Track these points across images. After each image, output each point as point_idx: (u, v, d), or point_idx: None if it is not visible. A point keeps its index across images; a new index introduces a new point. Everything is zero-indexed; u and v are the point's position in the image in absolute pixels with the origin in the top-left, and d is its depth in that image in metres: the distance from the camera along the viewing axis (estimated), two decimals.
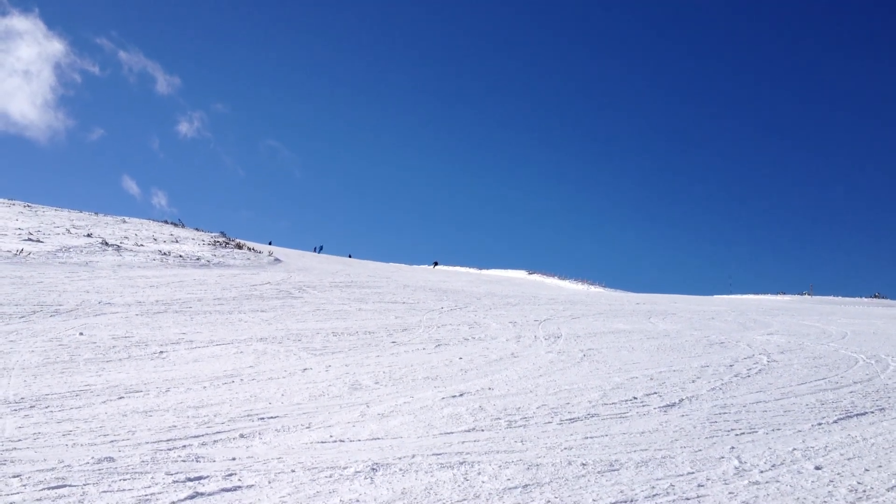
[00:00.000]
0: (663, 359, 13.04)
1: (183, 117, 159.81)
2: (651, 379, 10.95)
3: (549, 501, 5.59)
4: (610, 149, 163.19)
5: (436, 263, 49.99)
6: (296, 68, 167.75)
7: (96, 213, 42.36)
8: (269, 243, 61.14)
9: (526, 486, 5.97)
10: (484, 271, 56.98)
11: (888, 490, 6.27)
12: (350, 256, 62.16)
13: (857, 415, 9.17)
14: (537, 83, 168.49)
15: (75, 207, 44.20)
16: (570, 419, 8.36)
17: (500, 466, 6.47)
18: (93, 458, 6.22)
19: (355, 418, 8.14)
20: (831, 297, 40.45)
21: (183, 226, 44.00)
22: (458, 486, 5.91)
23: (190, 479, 5.76)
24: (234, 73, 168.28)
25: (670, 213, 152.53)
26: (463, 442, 7.27)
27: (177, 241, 34.22)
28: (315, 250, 61.81)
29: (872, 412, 9.37)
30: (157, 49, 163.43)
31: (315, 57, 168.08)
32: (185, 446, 6.78)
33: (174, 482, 5.68)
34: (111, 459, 6.21)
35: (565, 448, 7.16)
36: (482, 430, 7.74)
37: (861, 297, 40.83)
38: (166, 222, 44.53)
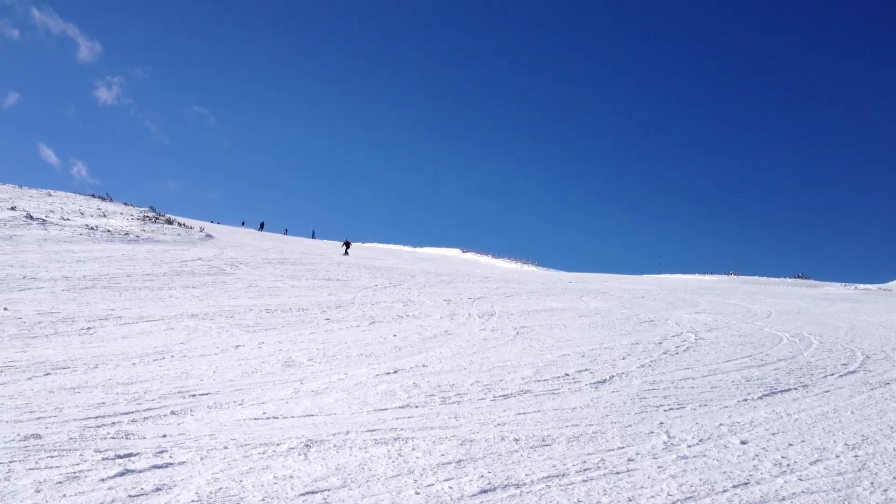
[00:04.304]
0: (594, 336, 13.22)
1: (101, 83, 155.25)
2: (583, 356, 11.10)
3: (482, 476, 5.64)
4: (544, 130, 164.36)
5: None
6: (219, 31, 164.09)
7: (20, 186, 41.13)
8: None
9: (460, 461, 6.00)
10: (418, 249, 57.07)
11: (811, 464, 6.47)
12: (286, 233, 61.50)
13: (781, 391, 9.44)
14: (460, 63, 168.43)
15: None
16: (504, 395, 8.43)
17: (434, 442, 6.50)
18: (19, 434, 6.06)
19: (289, 395, 8.09)
20: (756, 277, 41.54)
21: (111, 200, 43.03)
22: (393, 461, 5.92)
23: (120, 457, 5.66)
24: (152, 35, 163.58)
25: (602, 194, 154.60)
26: (397, 418, 7.28)
27: (105, 216, 33.45)
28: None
29: (796, 388, 9.64)
30: (71, 9, 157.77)
31: (241, 19, 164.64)
32: (114, 423, 6.65)
33: (103, 459, 5.57)
34: (38, 436, 6.06)
35: (498, 424, 7.22)
36: (416, 407, 7.76)
37: (785, 277, 41.99)
38: (93, 196, 43.48)
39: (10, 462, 5.41)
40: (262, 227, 61.10)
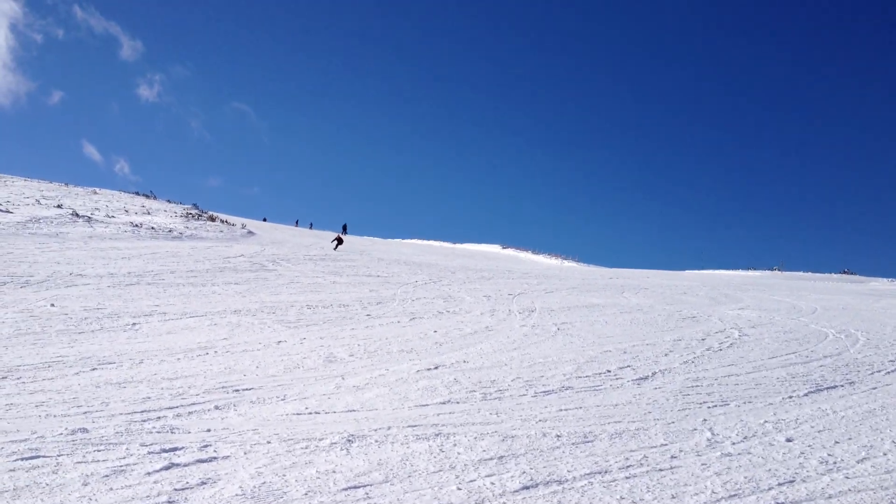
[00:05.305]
0: (636, 333, 13.13)
1: (142, 80, 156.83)
2: (624, 352, 11.02)
3: (524, 472, 5.63)
4: (582, 126, 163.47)
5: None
6: (258, 27, 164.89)
7: (66, 184, 41.83)
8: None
9: (501, 457, 6.00)
10: (458, 245, 57.05)
11: (858, 462, 6.37)
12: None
13: (827, 388, 9.30)
14: (504, 58, 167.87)
15: (41, 177, 43.64)
16: (545, 392, 8.41)
17: (475, 438, 6.50)
18: (66, 429, 6.17)
19: (331, 390, 8.14)
20: (801, 273, 40.88)
21: (155, 197, 43.61)
22: (434, 457, 5.93)
23: (165, 451, 5.73)
24: (193, 33, 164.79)
25: (643, 190, 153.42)
26: (438, 414, 7.29)
27: (149, 213, 33.90)
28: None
29: (842, 385, 9.50)
30: (112, 7, 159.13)
31: (280, 15, 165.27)
32: (159, 418, 6.74)
33: (149, 453, 5.65)
34: (85, 430, 6.16)
35: (540, 420, 7.20)
36: (457, 403, 7.77)
37: (831, 273, 41.30)
38: (138, 193, 44.12)
39: (59, 455, 5.51)
40: (344, 229, 59.20)
